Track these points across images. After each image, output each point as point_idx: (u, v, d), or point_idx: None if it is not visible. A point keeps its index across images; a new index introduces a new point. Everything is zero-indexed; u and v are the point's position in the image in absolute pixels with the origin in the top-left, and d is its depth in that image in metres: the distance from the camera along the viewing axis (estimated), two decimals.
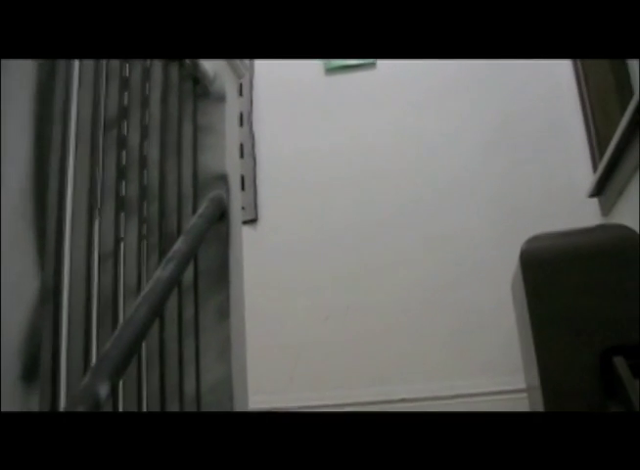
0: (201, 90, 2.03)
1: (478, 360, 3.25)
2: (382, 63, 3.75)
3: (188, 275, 1.83)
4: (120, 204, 1.56)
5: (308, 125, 3.75)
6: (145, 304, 1.39)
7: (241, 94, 3.81)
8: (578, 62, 3.17)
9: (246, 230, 3.64)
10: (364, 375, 3.31)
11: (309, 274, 3.49)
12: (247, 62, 2.25)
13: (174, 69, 1.88)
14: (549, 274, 2.20)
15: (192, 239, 1.72)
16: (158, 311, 1.45)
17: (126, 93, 1.67)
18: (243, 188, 3.66)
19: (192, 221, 1.77)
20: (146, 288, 1.45)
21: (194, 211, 1.87)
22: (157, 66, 1.80)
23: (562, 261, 2.20)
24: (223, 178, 1.98)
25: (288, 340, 3.42)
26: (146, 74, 1.75)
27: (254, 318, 3.41)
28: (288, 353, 3.38)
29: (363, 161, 3.64)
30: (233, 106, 2.16)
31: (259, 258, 3.54)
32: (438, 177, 3.54)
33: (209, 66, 2.06)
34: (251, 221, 3.63)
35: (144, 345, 1.56)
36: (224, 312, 1.88)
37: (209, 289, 1.88)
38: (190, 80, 1.97)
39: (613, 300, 2.15)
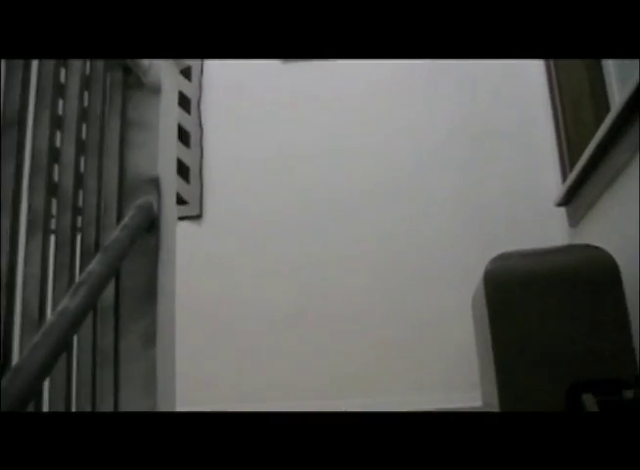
0: (132, 80, 1.78)
1: (433, 375, 3.07)
2: None
3: (108, 296, 1.59)
4: (20, 216, 1.31)
5: (262, 115, 3.51)
6: (42, 345, 1.16)
7: (189, 79, 3.56)
8: (552, 65, 2.98)
9: (190, 227, 3.41)
10: (311, 387, 3.11)
11: (257, 276, 3.27)
12: None
13: None
14: (514, 297, 2.02)
15: (112, 256, 1.48)
16: (59, 352, 1.21)
17: (35, 82, 1.42)
18: (188, 181, 3.41)
19: (113, 234, 1.54)
20: (47, 322, 1.21)
21: (118, 221, 1.63)
22: None
23: (528, 284, 2.02)
24: (154, 182, 1.74)
25: (231, 347, 3.20)
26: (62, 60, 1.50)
27: (195, 324, 3.22)
28: (231, 362, 3.16)
29: (319, 155, 3.41)
30: (170, 98, 1.91)
31: (204, 258, 3.31)
32: (398, 179, 3.33)
33: None
34: (196, 217, 3.38)
35: (48, 383, 1.32)
36: (150, 338, 1.65)
37: (133, 311, 1.65)
38: (119, 69, 1.72)
39: (582, 328, 1.98)
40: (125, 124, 1.75)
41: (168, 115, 1.87)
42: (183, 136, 3.48)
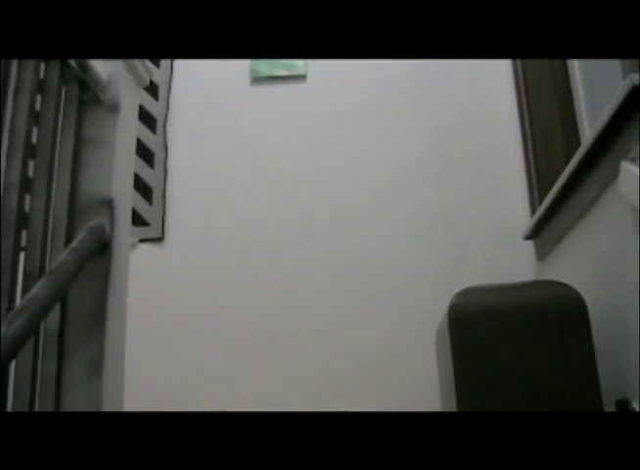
0: (89, 97, 1.71)
1: (394, 405, 2.99)
2: (312, 76, 3.48)
3: (52, 322, 1.51)
4: None
5: (229, 137, 3.44)
6: None
7: (156, 98, 3.49)
8: (523, 93, 2.97)
9: (151, 250, 3.33)
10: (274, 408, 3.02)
11: (219, 301, 3.18)
12: (151, 66, 1.94)
13: (54, 69, 1.56)
14: (478, 333, 1.97)
15: (57, 280, 1.40)
16: None
17: None
18: (150, 202, 3.33)
19: (60, 258, 1.46)
20: None
21: (67, 243, 1.55)
22: (28, 65, 1.47)
23: (492, 321, 1.97)
24: (107, 203, 1.67)
25: (188, 374, 3.10)
26: (11, 73, 1.43)
27: (152, 349, 3.12)
28: (186, 389, 3.06)
29: (284, 179, 3.35)
30: (129, 116, 1.85)
31: (164, 282, 3.22)
32: (365, 204, 3.28)
33: (104, 68, 1.75)
34: (157, 240, 3.30)
35: None
36: (96, 366, 1.57)
37: (79, 338, 1.57)
38: (75, 84, 1.65)
39: (547, 366, 1.93)
40: (80, 142, 1.68)
41: (126, 133, 1.81)
42: (147, 156, 3.40)
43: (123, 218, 1.73)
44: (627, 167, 1.81)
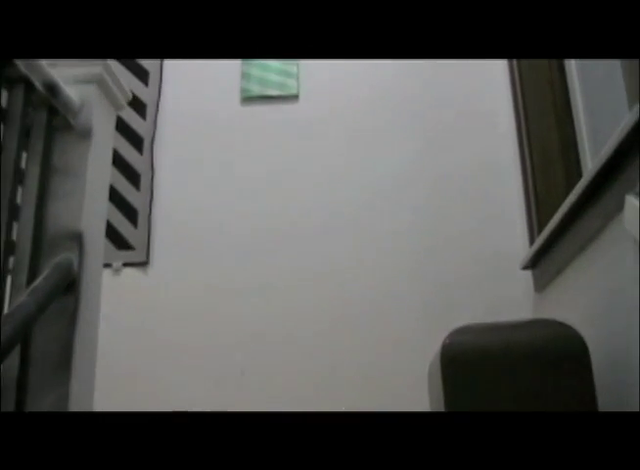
0: (59, 122, 1.61)
1: None
2: (304, 96, 3.39)
3: (12, 368, 1.40)
4: None
5: (218, 158, 3.34)
6: None
7: (144, 117, 3.39)
8: (522, 117, 2.87)
9: (135, 275, 3.22)
10: None
11: (203, 329, 3.06)
12: (128, 90, 1.84)
13: (18, 92, 1.46)
14: (472, 376, 1.85)
15: (14, 324, 1.29)
16: None
17: None
18: (135, 225, 3.22)
19: (20, 299, 1.35)
20: None
21: (32, 281, 1.45)
22: None
23: (488, 363, 1.85)
24: (76, 237, 1.56)
25: (172, 401, 2.98)
26: None
27: (135, 377, 3.01)
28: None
29: (275, 202, 3.25)
30: (103, 143, 1.74)
31: (148, 308, 3.11)
32: (355, 227, 3.17)
33: (76, 92, 1.65)
34: (142, 264, 3.18)
35: None
36: None
37: (42, 384, 1.45)
38: (44, 109, 1.55)
39: (545, 410, 1.81)
40: (48, 171, 1.58)
41: (100, 161, 1.70)
42: (133, 177, 3.30)
43: (94, 253, 1.62)
44: (632, 202, 1.71)
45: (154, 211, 3.26)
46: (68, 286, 1.53)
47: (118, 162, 3.31)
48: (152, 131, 3.38)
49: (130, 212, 3.24)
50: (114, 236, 3.20)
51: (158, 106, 3.43)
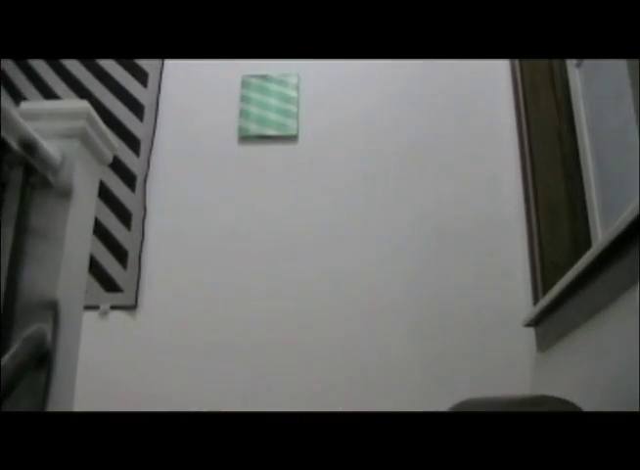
0: (37, 181, 1.51)
1: None
2: (304, 137, 3.29)
3: None
4: None
5: (213, 199, 3.24)
6: None
7: (137, 154, 3.29)
8: (528, 169, 2.77)
9: (123, 318, 3.10)
10: None
11: (194, 380, 2.94)
12: (113, 144, 1.74)
13: None
14: None
15: None
16: None
17: None
18: (125, 267, 3.11)
19: None
20: None
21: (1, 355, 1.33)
22: None
23: None
24: (51, 306, 1.45)
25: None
26: None
27: None
28: None
29: (271, 247, 3.14)
30: (85, 202, 1.64)
31: (136, 354, 2.99)
32: (354, 277, 3.06)
33: (56, 148, 1.55)
34: (130, 308, 3.07)
35: None
36: None
37: None
38: (20, 168, 1.45)
39: None
40: (23, 233, 1.47)
41: (80, 223, 1.59)
42: (124, 216, 3.19)
43: (71, 323, 1.51)
44: None
45: (144, 251, 3.16)
46: (41, 359, 1.42)
47: (109, 199, 3.21)
48: (145, 168, 3.28)
49: (120, 253, 3.14)
50: (102, 277, 3.10)
51: (152, 142, 3.34)
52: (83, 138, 1.59)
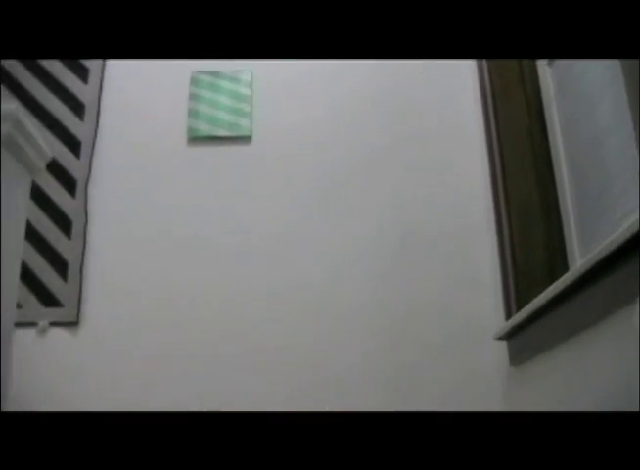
0: None
1: None
2: (258, 137, 3.10)
3: None
4: None
5: (161, 204, 3.03)
6: None
7: (78, 156, 3.07)
8: (498, 173, 2.63)
9: (63, 336, 2.87)
10: None
11: (139, 400, 2.73)
12: (46, 149, 1.53)
13: None
14: None
15: None
16: None
17: None
18: (65, 279, 2.89)
19: None
20: None
21: None
22: None
23: None
24: None
25: None
26: None
27: None
28: None
29: (224, 254, 2.95)
30: (13, 214, 1.42)
31: (77, 375, 2.77)
32: (314, 288, 2.89)
33: None
34: (71, 324, 2.84)
35: None
36: None
37: None
38: None
39: None
40: None
41: (5, 234, 1.38)
42: (64, 224, 2.96)
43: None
44: None
45: (86, 262, 2.93)
46: None
47: (47, 206, 2.98)
48: (86, 172, 3.05)
49: (59, 264, 2.91)
50: (39, 291, 2.87)
51: (94, 143, 3.11)
52: (9, 145, 1.38)
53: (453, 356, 2.74)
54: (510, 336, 2.52)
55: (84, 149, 3.08)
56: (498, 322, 2.71)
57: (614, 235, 1.53)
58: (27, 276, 2.80)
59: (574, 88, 2.37)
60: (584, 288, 1.80)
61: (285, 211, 3.00)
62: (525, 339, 2.38)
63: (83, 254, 2.93)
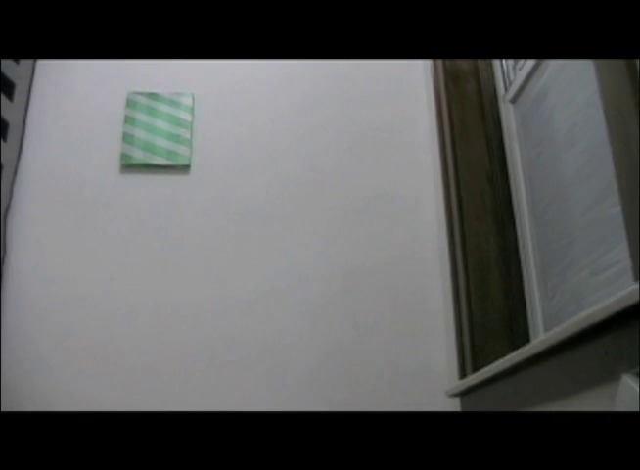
0: None
1: None
2: (197, 167, 2.89)
3: None
4: None
5: (87, 237, 2.79)
6: None
7: None
8: (455, 216, 2.47)
9: None
10: None
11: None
12: None
13: None
14: None
15: None
16: None
17: None
18: None
19: None
20: None
21: None
22: None
23: None
24: None
25: None
26: None
27: None
28: None
29: (156, 295, 2.72)
30: None
31: None
32: (248, 336, 2.68)
33: None
34: None
35: None
36: None
37: None
38: None
39: None
40: None
41: None
42: None
43: None
44: (630, 384, 1.33)
45: (3, 303, 2.67)
46: None
47: None
48: (6, 199, 2.80)
49: None
50: None
51: (16, 168, 2.86)
52: None
53: (401, 410, 2.56)
54: (464, 394, 2.36)
55: (5, 174, 2.82)
56: (450, 376, 2.54)
57: (592, 309, 1.36)
58: None
59: (540, 129, 2.23)
60: (550, 360, 1.63)
61: (221, 248, 2.79)
62: (481, 399, 2.22)
63: (0, 288, 2.67)
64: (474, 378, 2.13)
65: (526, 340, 2.30)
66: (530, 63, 2.28)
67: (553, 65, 2.14)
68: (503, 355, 2.02)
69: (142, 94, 3.00)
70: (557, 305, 2.12)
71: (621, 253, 1.71)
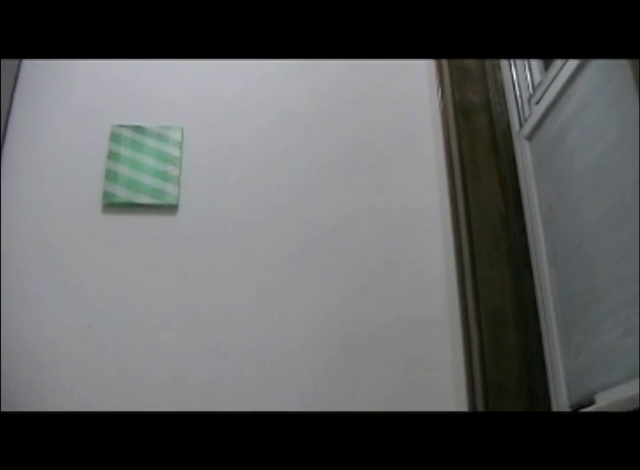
0: None
1: None
2: (186, 207, 2.71)
3: None
4: None
5: (65, 283, 2.59)
6: None
7: None
8: (467, 265, 2.28)
9: None
10: None
11: None
12: None
13: None
14: None
15: None
16: None
17: None
18: None
19: None
20: None
21: None
22: None
23: None
24: None
25: None
26: None
27: None
28: None
29: (141, 344, 2.52)
30: None
31: None
32: (239, 386, 2.48)
33: None
34: None
35: None
36: None
37: None
38: None
39: None
40: None
41: None
42: None
43: None
44: None
45: None
46: None
47: None
48: None
49: None
50: None
51: None
52: None
53: None
54: None
55: None
56: None
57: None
58: None
59: (561, 169, 2.05)
60: None
61: (210, 297, 2.60)
62: None
63: None
64: None
65: (547, 401, 2.11)
66: (549, 97, 2.11)
67: (576, 98, 1.96)
68: None
69: (127, 127, 2.83)
70: (582, 365, 1.93)
71: None
